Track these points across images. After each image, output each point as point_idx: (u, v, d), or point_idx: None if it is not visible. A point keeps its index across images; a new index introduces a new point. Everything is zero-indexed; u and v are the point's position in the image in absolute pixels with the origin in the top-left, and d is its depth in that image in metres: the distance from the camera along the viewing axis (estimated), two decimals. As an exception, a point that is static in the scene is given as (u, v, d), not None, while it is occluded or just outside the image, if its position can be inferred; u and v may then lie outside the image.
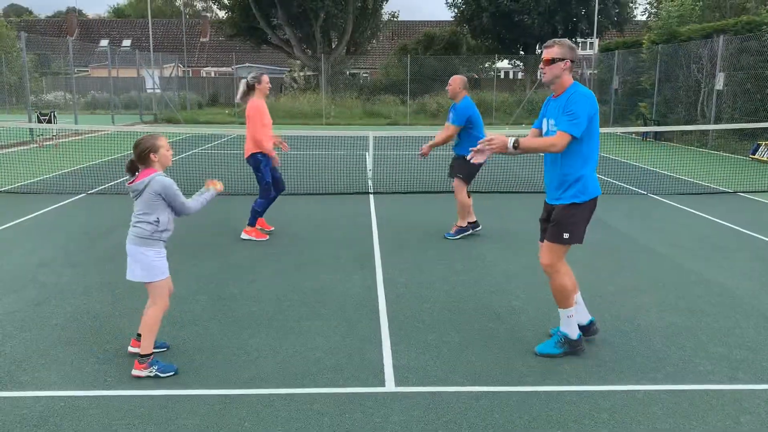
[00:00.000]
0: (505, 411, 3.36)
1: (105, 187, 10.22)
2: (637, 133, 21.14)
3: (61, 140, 17.44)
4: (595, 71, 26.75)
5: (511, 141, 3.75)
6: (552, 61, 3.82)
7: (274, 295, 5.17)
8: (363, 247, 6.71)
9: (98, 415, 3.27)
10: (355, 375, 3.76)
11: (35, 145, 16.32)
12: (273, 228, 7.28)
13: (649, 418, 3.30)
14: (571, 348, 4.01)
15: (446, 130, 6.89)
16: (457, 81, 6.86)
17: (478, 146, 3.82)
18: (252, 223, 7.02)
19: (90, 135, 18.73)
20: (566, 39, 3.94)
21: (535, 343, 4.22)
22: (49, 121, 17.60)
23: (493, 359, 4.00)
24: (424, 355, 4.04)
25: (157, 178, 3.66)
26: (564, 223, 3.89)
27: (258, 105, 6.67)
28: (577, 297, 4.26)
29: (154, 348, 3.85)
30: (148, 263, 3.68)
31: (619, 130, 17.73)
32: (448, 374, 3.78)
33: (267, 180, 6.90)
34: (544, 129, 4.05)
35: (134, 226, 3.70)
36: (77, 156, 14.03)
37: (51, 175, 11.45)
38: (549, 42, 3.90)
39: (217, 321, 4.58)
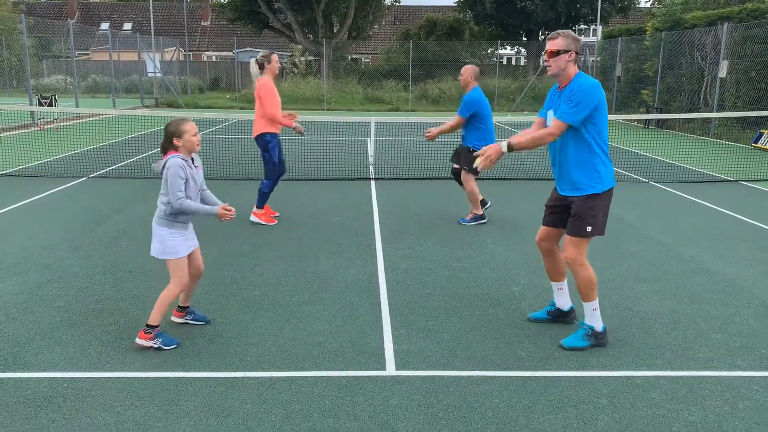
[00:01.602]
0: (505, 395, 3.39)
1: (106, 171, 10.22)
2: (639, 121, 21.08)
3: (62, 123, 17.40)
4: (598, 58, 26.60)
5: (504, 145, 3.74)
6: (556, 53, 3.77)
7: (276, 279, 5.19)
8: (364, 233, 6.73)
9: (101, 397, 3.30)
10: (356, 359, 3.78)
11: (36, 128, 16.30)
12: (278, 213, 7.27)
13: (648, 404, 3.33)
14: (597, 340, 3.99)
15: (455, 119, 6.91)
16: (468, 71, 6.82)
17: (478, 162, 3.80)
18: (260, 206, 7.01)
19: (91, 119, 18.70)
20: (570, 30, 3.91)
21: (535, 329, 4.25)
22: (50, 105, 17.56)
23: (492, 344, 4.02)
24: (425, 340, 4.06)
25: (169, 161, 3.72)
26: (585, 216, 3.85)
27: (268, 84, 6.65)
28: (563, 283, 4.29)
29: (196, 321, 4.17)
30: (163, 241, 3.80)
31: (622, 117, 17.67)
32: (448, 359, 3.81)
33: (274, 161, 6.89)
34: (549, 122, 4.00)
35: (158, 205, 3.85)
36: (79, 139, 14.02)
37: (52, 158, 11.45)
38: (553, 34, 3.85)
39: (219, 305, 4.60)
